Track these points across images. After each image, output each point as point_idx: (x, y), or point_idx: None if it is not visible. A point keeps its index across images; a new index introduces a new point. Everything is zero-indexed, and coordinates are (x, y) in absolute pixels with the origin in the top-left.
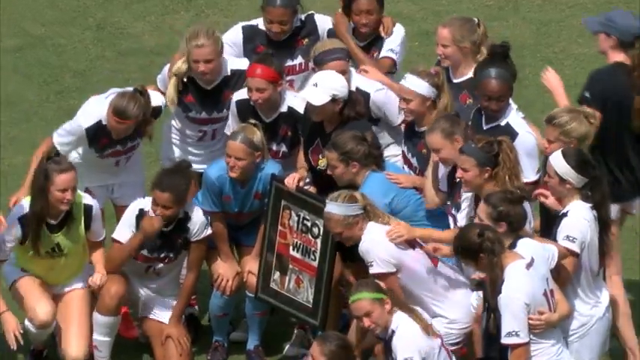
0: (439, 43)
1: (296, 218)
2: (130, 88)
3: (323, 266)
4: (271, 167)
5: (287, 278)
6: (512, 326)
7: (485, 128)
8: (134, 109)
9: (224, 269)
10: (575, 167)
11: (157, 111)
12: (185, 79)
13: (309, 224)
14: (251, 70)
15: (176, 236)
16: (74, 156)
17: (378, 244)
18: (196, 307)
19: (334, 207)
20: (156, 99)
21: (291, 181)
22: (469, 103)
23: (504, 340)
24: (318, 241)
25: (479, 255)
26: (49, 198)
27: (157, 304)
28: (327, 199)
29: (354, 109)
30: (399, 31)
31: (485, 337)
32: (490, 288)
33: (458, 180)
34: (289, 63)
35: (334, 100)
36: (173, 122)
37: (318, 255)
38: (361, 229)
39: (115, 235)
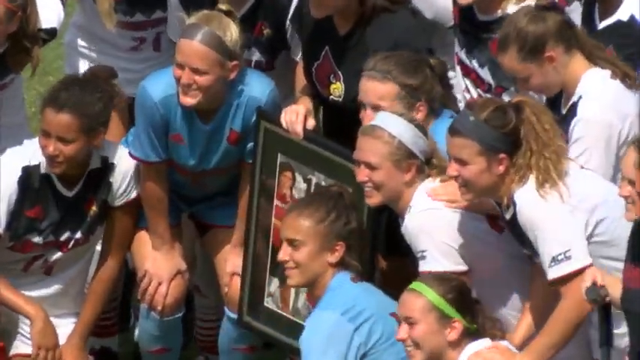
0: None
1: (304, 186)
2: None
3: None
4: (259, 86)
5: (292, 291)
6: None
7: (600, 28)
8: None
9: (154, 264)
10: None
11: (51, 33)
12: None
13: None
14: None
15: (88, 200)
16: None
17: (436, 220)
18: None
19: (390, 119)
20: (48, 16)
21: (293, 118)
22: None
23: None
24: None
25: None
26: None
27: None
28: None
29: None
30: None
31: None
32: None
33: None
34: None
35: None
36: (81, 21)
37: None
38: (408, 183)
39: None
